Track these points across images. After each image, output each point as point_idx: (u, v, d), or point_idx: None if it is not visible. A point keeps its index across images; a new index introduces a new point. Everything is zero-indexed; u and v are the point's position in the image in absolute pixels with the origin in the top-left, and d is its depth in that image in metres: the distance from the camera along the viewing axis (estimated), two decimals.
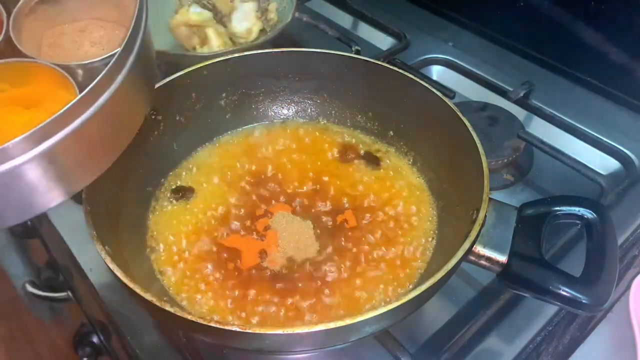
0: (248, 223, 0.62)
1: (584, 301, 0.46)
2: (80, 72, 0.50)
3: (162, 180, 0.67)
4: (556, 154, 0.73)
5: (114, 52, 0.47)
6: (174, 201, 0.64)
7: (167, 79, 0.63)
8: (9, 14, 0.53)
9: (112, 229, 0.55)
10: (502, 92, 0.85)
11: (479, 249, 0.50)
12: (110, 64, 0.44)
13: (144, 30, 0.50)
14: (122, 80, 0.46)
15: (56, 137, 0.41)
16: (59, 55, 0.55)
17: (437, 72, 0.93)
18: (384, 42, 0.99)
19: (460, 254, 0.47)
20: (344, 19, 1.06)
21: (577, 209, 0.52)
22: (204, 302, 0.55)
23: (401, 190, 0.66)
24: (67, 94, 0.48)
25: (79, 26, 0.58)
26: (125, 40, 0.46)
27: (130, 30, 0.47)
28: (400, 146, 0.70)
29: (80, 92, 0.46)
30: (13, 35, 0.51)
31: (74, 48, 0.56)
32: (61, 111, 0.40)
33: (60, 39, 0.57)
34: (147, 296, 0.43)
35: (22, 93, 0.49)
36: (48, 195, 0.43)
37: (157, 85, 0.62)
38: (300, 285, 0.56)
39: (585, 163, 0.73)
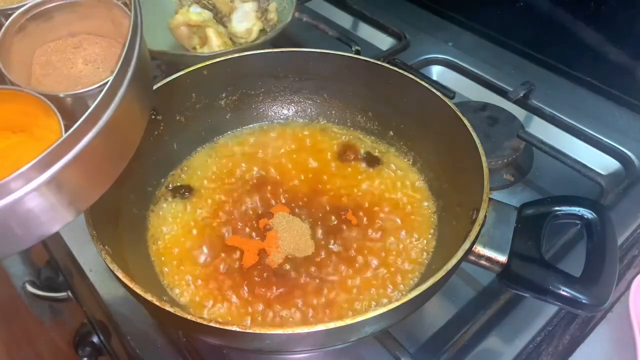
0: (248, 223, 0.62)
1: (584, 301, 0.46)
2: (69, 100, 0.48)
3: (162, 180, 0.67)
4: (556, 154, 0.73)
5: (105, 80, 0.45)
6: (174, 201, 0.64)
7: (167, 79, 0.63)
8: None
9: (112, 229, 0.55)
10: (502, 92, 0.85)
11: (479, 249, 0.50)
12: (104, 92, 0.43)
13: (138, 51, 0.48)
14: (116, 107, 0.45)
15: (58, 165, 0.41)
16: (50, 75, 0.53)
17: (437, 72, 0.93)
18: (384, 42, 0.99)
19: (460, 254, 0.47)
20: (344, 19, 1.06)
21: (577, 209, 0.52)
22: (204, 302, 0.55)
23: (401, 191, 0.66)
24: (53, 122, 0.46)
25: (72, 42, 0.55)
26: (119, 66, 0.45)
27: (122, 56, 0.45)
28: (400, 146, 0.70)
29: (67, 119, 0.46)
30: (0, 55, 0.49)
31: (67, 67, 0.54)
32: (59, 141, 0.40)
33: (53, 56, 0.54)
34: (147, 296, 0.43)
35: (8, 118, 0.48)
36: (54, 219, 0.43)
37: (157, 85, 0.62)
38: (300, 285, 0.56)
39: (585, 163, 0.73)
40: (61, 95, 0.48)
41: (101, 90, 0.43)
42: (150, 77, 0.55)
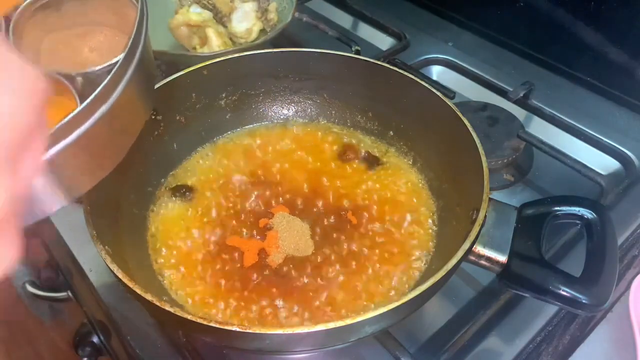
0: (248, 223, 0.62)
1: (584, 301, 0.46)
2: (79, 79, 0.49)
3: (162, 180, 0.67)
4: (556, 154, 0.73)
5: (115, 59, 0.47)
6: (174, 201, 0.64)
7: (167, 79, 0.63)
8: (8, 21, 0.52)
9: (112, 229, 0.55)
10: (502, 92, 0.85)
11: (479, 249, 0.50)
12: (114, 71, 0.44)
13: (144, 38, 0.49)
14: (123, 88, 0.46)
15: (59, 146, 0.40)
16: (57, 62, 0.54)
17: (437, 72, 0.93)
18: (384, 42, 0.99)
19: (460, 254, 0.47)
20: (344, 19, 1.06)
21: (577, 209, 0.52)
22: (204, 302, 0.55)
23: (401, 190, 0.66)
24: (67, 101, 0.48)
25: (78, 32, 0.57)
26: (128, 48, 0.46)
27: (131, 39, 0.47)
28: (400, 146, 0.70)
29: (80, 100, 0.47)
30: (13, 41, 0.51)
31: (74, 55, 0.55)
32: (64, 121, 0.40)
33: (59, 45, 0.56)
34: (147, 296, 0.43)
35: None
36: (49, 202, 0.43)
37: (157, 85, 0.62)
38: (300, 285, 0.56)
39: (585, 163, 0.72)
40: (73, 73, 0.49)
41: (109, 72, 0.45)
42: (153, 70, 0.56)
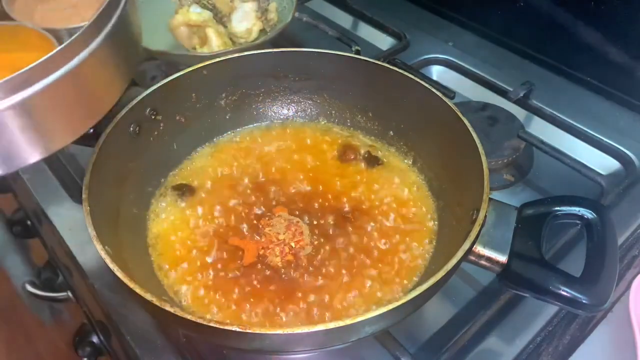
0: (248, 223, 0.62)
1: (584, 301, 0.46)
2: (65, 36, 0.53)
3: (162, 180, 0.67)
4: (556, 154, 0.73)
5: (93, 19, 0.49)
6: (174, 201, 0.64)
7: (167, 79, 0.64)
8: None
9: (112, 229, 0.55)
10: (502, 92, 0.85)
11: (479, 249, 0.50)
12: (80, 31, 0.47)
13: (121, 10, 0.52)
14: (95, 48, 0.48)
15: (30, 90, 0.43)
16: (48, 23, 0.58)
17: (437, 72, 0.93)
18: (384, 42, 0.99)
19: (460, 254, 0.47)
20: (344, 19, 1.06)
21: (577, 209, 0.52)
22: (203, 302, 0.55)
23: (401, 190, 0.66)
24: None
25: (70, 2, 0.60)
26: (100, 10, 0.49)
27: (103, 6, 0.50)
28: (400, 146, 0.70)
29: None
30: (6, 6, 0.56)
31: (64, 24, 0.58)
32: (32, 64, 0.42)
33: (51, 13, 0.60)
34: (147, 296, 0.43)
35: (11, 57, 0.52)
36: (24, 150, 0.45)
37: (157, 85, 0.62)
38: (300, 285, 0.56)
39: (585, 163, 0.73)
40: (60, 29, 0.54)
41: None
42: (136, 47, 0.59)
